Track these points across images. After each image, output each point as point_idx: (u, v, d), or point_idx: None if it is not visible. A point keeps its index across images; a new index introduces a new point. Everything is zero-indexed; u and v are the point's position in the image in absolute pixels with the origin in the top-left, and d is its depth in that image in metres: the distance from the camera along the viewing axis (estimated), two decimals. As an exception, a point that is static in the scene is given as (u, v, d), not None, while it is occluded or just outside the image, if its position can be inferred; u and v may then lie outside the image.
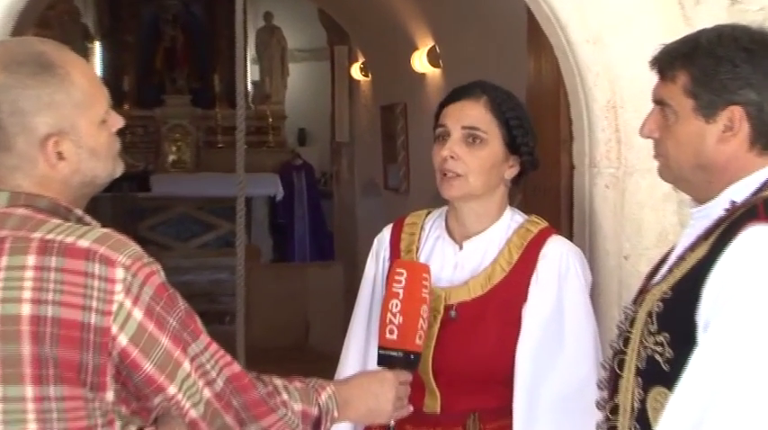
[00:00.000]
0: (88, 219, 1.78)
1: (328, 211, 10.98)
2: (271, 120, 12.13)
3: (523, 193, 2.90)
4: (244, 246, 3.37)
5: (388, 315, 2.06)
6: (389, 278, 2.13)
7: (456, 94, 2.28)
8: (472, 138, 2.20)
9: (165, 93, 11.86)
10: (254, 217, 10.70)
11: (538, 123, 2.41)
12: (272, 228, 11.29)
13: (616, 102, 2.58)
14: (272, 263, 10.75)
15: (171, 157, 11.61)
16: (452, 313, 2.20)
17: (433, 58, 6.39)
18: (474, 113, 2.22)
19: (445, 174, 2.22)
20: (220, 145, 11.54)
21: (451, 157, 2.19)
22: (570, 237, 2.61)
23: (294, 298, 8.17)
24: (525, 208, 2.45)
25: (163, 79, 12.01)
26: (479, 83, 2.29)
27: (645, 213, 2.59)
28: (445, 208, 2.36)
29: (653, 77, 1.86)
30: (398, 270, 2.10)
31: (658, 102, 1.84)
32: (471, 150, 2.20)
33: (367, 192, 8.61)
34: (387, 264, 2.33)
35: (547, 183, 2.85)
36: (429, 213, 2.39)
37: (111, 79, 11.06)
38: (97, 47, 11.98)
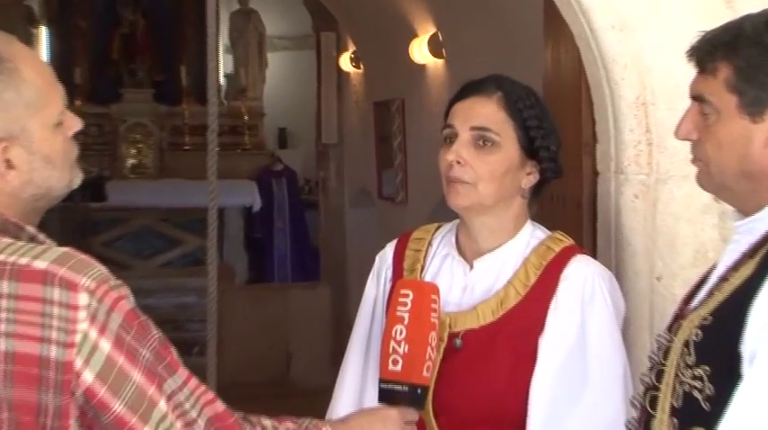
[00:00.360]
0: (42, 237, 1.76)
1: (313, 224, 10.95)
2: (247, 118, 12.20)
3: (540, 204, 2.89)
4: (216, 264, 3.37)
5: (392, 343, 2.07)
6: (392, 301, 2.13)
7: (467, 90, 2.30)
8: (482, 140, 2.21)
9: (122, 86, 11.85)
10: (226, 231, 10.75)
11: (558, 123, 2.41)
12: (247, 243, 11.35)
13: (647, 98, 2.57)
14: (248, 284, 10.76)
15: (130, 162, 11.62)
16: (457, 342, 2.21)
17: (434, 47, 6.41)
18: (485, 112, 2.23)
19: (452, 182, 2.24)
20: (187, 147, 11.56)
21: (458, 162, 2.20)
22: (593, 254, 2.60)
23: (273, 325, 8.18)
24: (541, 220, 2.45)
25: (120, 71, 12.00)
26: (494, 77, 2.30)
27: (680, 227, 2.59)
28: (456, 222, 2.37)
29: (690, 70, 1.86)
30: (403, 291, 2.11)
31: (697, 98, 1.84)
32: (481, 154, 2.21)
33: (358, 203, 8.64)
34: (389, 286, 2.35)
35: (566, 191, 2.87)
36: (439, 228, 2.41)
37: (60, 71, 10.73)
38: (43, 32, 11.98)
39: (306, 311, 8.21)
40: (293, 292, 8.81)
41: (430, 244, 2.36)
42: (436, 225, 2.41)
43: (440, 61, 6.42)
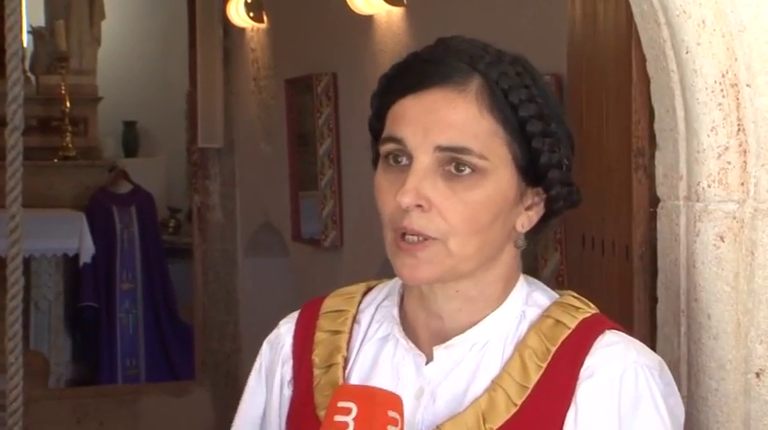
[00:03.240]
0: None
1: (183, 284, 9.48)
2: (69, 105, 9.63)
3: (564, 251, 2.68)
4: (19, 354, 2.99)
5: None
6: (326, 419, 1.89)
7: (419, 74, 1.94)
8: (455, 165, 1.90)
9: None
10: (35, 296, 9.03)
11: (588, 118, 2.43)
12: (71, 317, 9.40)
13: (739, 76, 2.24)
14: (72, 387, 8.86)
15: None
16: None
17: (389, -15, 5.39)
18: (458, 118, 1.91)
19: (402, 237, 1.91)
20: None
21: (418, 206, 1.89)
22: (650, 337, 2.41)
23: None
24: (566, 281, 2.41)
25: None
26: (461, 46, 1.95)
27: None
28: (398, 280, 2.06)
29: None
30: (341, 404, 1.89)
31: None
32: (455, 189, 1.91)
33: (259, 248, 7.53)
34: (289, 392, 2.08)
35: (607, 231, 2.69)
36: (368, 291, 2.12)
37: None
38: None
39: None
40: (148, 400, 7.58)
41: (356, 320, 2.09)
42: (363, 286, 2.14)
43: (397, 9, 5.62)
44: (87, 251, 8.85)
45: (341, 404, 1.89)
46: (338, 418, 1.88)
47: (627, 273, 2.62)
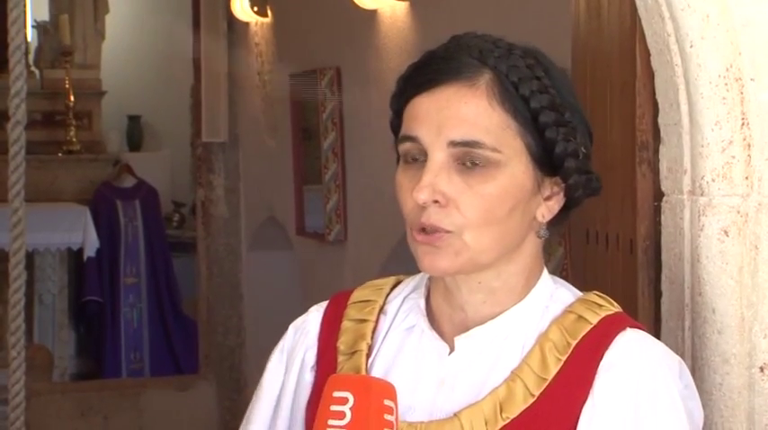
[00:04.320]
0: None
1: (187, 279, 9.23)
2: (73, 99, 9.77)
3: (567, 245, 2.75)
4: (22, 348, 2.94)
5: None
6: (320, 410, 1.92)
7: (430, 72, 1.98)
8: (470, 161, 1.95)
9: None
10: (39, 290, 9.06)
11: (592, 112, 2.33)
12: (76, 311, 9.45)
13: (743, 70, 2.26)
14: (76, 381, 8.95)
15: None
16: None
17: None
18: (469, 113, 1.95)
19: (423, 231, 1.96)
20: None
21: (435, 202, 1.95)
22: (655, 329, 2.38)
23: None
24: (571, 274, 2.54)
25: None
26: (471, 43, 1.99)
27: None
28: (427, 275, 2.10)
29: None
30: (337, 394, 1.92)
31: None
32: (469, 183, 1.96)
33: (263, 242, 7.56)
34: (310, 378, 2.11)
35: (611, 225, 2.68)
36: (397, 284, 2.15)
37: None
38: None
39: (175, 425, 7.16)
40: (152, 394, 7.58)
41: (383, 310, 2.12)
42: (393, 279, 2.16)
43: (401, 4, 5.69)
44: (91, 245, 8.86)
45: (336, 394, 1.92)
46: (334, 408, 1.90)
47: (631, 267, 2.60)
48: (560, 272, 3.64)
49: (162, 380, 8.43)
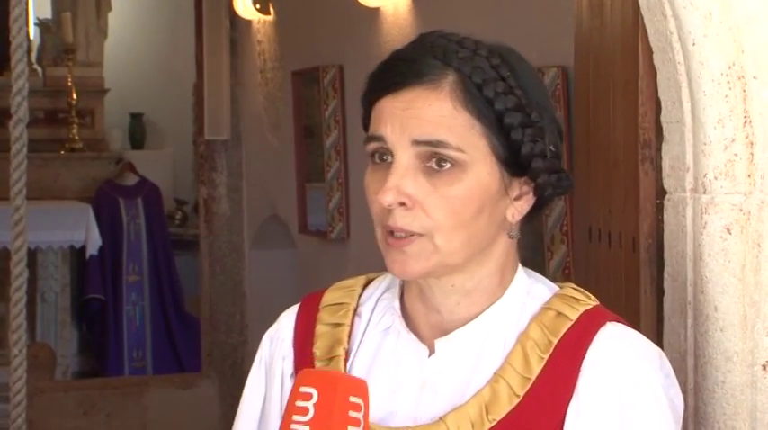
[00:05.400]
0: None
1: (189, 276, 9.09)
2: (76, 97, 9.74)
3: (570, 243, 2.62)
4: (24, 346, 2.92)
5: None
6: (287, 404, 1.91)
7: (395, 74, 1.95)
8: (436, 161, 1.92)
9: None
10: (42, 288, 8.99)
11: (594, 111, 2.41)
12: (78, 309, 9.38)
13: (745, 67, 2.26)
14: (78, 379, 8.91)
15: None
16: None
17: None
18: (433, 114, 1.92)
19: (392, 235, 1.94)
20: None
21: (401, 204, 1.92)
22: (657, 329, 2.43)
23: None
24: (574, 274, 2.53)
25: None
26: (435, 43, 1.96)
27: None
28: None
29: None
30: (303, 389, 1.90)
31: None
32: (435, 185, 1.93)
33: (266, 241, 7.53)
34: (290, 385, 2.05)
35: (612, 223, 2.67)
36: (368, 283, 2.13)
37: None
38: None
39: (178, 423, 7.11)
40: (154, 392, 7.48)
41: (357, 313, 2.09)
42: (363, 279, 2.14)
43: (403, 1, 5.61)
44: (94, 243, 8.83)
45: (302, 389, 1.90)
46: (299, 403, 1.89)
47: (633, 265, 2.62)
48: (563, 269, 3.63)
49: (164, 378, 8.38)
